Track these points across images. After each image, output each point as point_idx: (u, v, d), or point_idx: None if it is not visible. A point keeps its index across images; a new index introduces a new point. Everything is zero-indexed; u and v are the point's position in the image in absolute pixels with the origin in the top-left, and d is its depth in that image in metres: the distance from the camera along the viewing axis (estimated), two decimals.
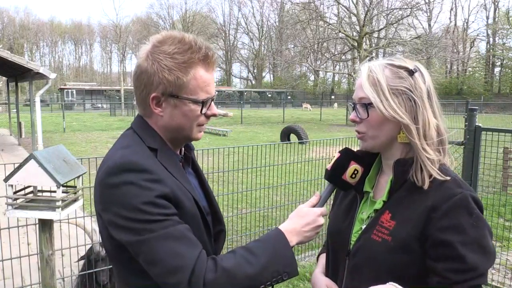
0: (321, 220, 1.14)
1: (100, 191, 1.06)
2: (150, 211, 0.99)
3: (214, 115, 1.18)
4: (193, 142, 1.30)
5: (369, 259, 1.07)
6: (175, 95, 1.09)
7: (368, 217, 1.15)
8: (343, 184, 1.18)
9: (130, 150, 1.08)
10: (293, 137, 14.35)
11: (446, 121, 1.13)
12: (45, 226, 2.44)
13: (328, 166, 1.19)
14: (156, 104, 1.12)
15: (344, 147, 1.23)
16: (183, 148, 1.27)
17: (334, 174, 1.17)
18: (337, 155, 1.19)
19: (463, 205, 0.99)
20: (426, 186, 1.04)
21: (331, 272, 1.26)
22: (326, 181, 1.21)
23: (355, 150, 1.23)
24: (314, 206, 1.17)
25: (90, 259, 3.06)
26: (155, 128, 1.15)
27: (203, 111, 1.13)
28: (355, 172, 1.17)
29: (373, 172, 1.21)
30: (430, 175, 1.04)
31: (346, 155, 1.18)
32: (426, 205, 1.02)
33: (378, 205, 1.13)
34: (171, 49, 1.08)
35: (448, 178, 1.03)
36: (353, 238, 1.16)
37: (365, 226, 1.14)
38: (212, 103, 1.17)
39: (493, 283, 3.68)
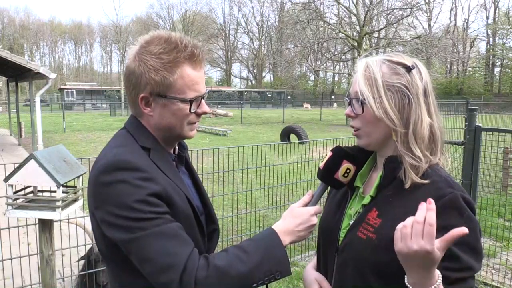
0: (314, 220, 1.14)
1: (93, 189, 1.06)
2: (142, 209, 1.00)
3: (205, 113, 1.18)
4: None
5: (355, 256, 1.07)
6: (163, 95, 1.10)
7: (356, 212, 1.15)
8: (336, 183, 1.19)
9: (123, 149, 1.09)
10: (293, 137, 14.34)
11: (444, 121, 1.13)
12: (45, 226, 2.44)
13: (321, 165, 1.19)
14: (145, 104, 1.12)
15: (336, 145, 1.23)
16: (177, 148, 1.27)
17: (327, 173, 1.18)
18: (329, 154, 1.19)
19: (454, 205, 0.98)
20: (407, 186, 1.04)
21: (322, 267, 1.26)
22: (319, 180, 1.21)
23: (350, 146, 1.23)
24: (306, 205, 1.17)
25: (90, 259, 3.06)
26: (147, 127, 1.16)
27: (192, 109, 1.13)
28: (348, 171, 1.17)
29: (367, 168, 1.21)
30: (417, 174, 1.04)
31: (338, 154, 1.18)
32: (415, 206, 1.01)
33: (365, 200, 1.12)
34: (157, 49, 1.08)
35: (427, 181, 1.02)
36: (342, 234, 1.16)
37: (352, 222, 1.14)
38: (203, 101, 1.16)
39: (493, 283, 3.68)
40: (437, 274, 0.92)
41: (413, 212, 1.00)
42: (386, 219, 1.05)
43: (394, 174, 1.07)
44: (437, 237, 0.90)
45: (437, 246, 0.85)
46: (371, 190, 1.12)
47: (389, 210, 1.06)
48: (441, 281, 0.91)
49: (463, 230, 0.84)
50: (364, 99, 1.07)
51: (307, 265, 1.37)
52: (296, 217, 1.13)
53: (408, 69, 1.06)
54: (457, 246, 0.96)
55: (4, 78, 19.62)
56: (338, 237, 1.17)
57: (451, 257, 0.96)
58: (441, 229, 0.95)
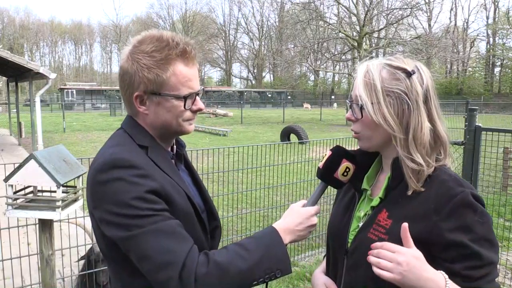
0: (315, 220, 1.15)
1: (91, 189, 1.06)
2: (140, 206, 1.00)
3: (200, 109, 1.18)
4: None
5: (366, 258, 1.07)
6: (157, 93, 1.11)
7: (365, 214, 1.15)
8: (335, 182, 1.19)
9: (120, 148, 1.09)
10: (293, 137, 14.34)
11: (445, 122, 1.13)
12: (45, 226, 2.44)
13: (320, 164, 1.19)
14: (140, 103, 1.13)
15: (335, 145, 1.24)
16: (175, 146, 1.27)
17: (326, 173, 1.18)
18: (328, 153, 1.19)
19: (466, 203, 0.99)
20: (409, 193, 1.05)
21: (331, 270, 1.26)
22: (319, 180, 1.22)
23: (353, 149, 1.23)
24: (305, 204, 1.18)
25: (90, 259, 3.06)
26: (144, 126, 1.16)
27: (187, 106, 1.13)
28: (347, 170, 1.18)
29: (373, 170, 1.21)
30: (418, 180, 1.05)
31: (338, 153, 1.18)
32: (428, 207, 1.02)
33: (374, 202, 1.13)
34: (149, 48, 1.09)
35: (422, 189, 1.04)
36: (351, 236, 1.17)
37: (362, 224, 1.14)
38: (197, 97, 1.17)
39: None
40: (440, 273, 0.96)
41: (426, 214, 1.01)
42: (396, 219, 1.05)
43: (402, 176, 1.07)
44: (457, 238, 0.98)
45: (407, 246, 0.96)
46: (380, 192, 1.13)
47: (400, 210, 1.06)
48: (447, 278, 0.95)
49: (404, 224, 0.96)
50: (363, 104, 1.07)
51: (314, 269, 1.37)
52: (297, 217, 1.13)
53: (408, 74, 1.05)
54: (476, 242, 0.98)
55: (4, 78, 19.61)
56: (347, 239, 1.17)
57: (472, 256, 0.98)
58: (459, 228, 0.98)
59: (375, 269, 0.97)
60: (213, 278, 0.97)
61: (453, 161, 1.13)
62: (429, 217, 1.00)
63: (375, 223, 1.09)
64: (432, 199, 1.02)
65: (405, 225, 0.96)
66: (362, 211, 1.17)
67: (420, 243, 0.98)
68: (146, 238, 0.99)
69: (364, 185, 1.19)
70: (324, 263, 1.34)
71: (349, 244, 1.16)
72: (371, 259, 0.99)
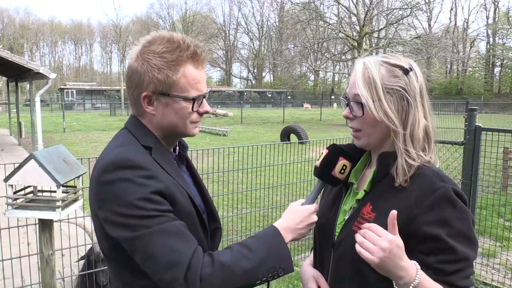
0: (315, 218, 1.16)
1: (95, 189, 1.06)
2: (145, 207, 1.00)
3: (206, 112, 1.19)
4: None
5: (351, 251, 1.08)
6: (166, 93, 1.11)
7: (351, 208, 1.17)
8: (333, 180, 1.20)
9: (124, 148, 1.09)
10: (293, 137, 14.34)
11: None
12: (45, 226, 2.44)
13: (317, 163, 1.20)
14: (147, 103, 1.13)
15: (331, 143, 1.24)
16: (177, 147, 1.28)
17: (323, 171, 1.19)
18: (325, 151, 1.20)
19: (446, 198, 1.01)
20: (396, 185, 1.06)
21: (318, 263, 1.28)
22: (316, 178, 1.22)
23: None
24: (304, 203, 1.19)
25: (90, 259, 3.06)
26: (149, 127, 1.16)
27: (195, 108, 1.14)
28: (344, 167, 1.19)
29: (361, 164, 1.23)
30: (408, 173, 1.06)
31: (334, 152, 1.20)
32: (409, 200, 1.03)
33: (359, 195, 1.14)
34: (159, 49, 1.09)
35: (406, 185, 1.05)
36: (337, 229, 1.18)
37: (347, 217, 1.16)
38: (204, 100, 1.17)
39: (493, 283, 3.68)
40: (413, 263, 0.98)
41: (407, 207, 1.03)
42: (380, 213, 1.07)
43: (387, 170, 1.09)
44: (434, 231, 0.98)
45: (393, 233, 0.96)
46: (365, 185, 1.14)
47: (383, 204, 1.08)
48: (419, 268, 0.97)
49: (393, 211, 0.96)
50: (364, 102, 1.08)
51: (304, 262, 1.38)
52: (297, 215, 1.14)
53: (406, 71, 1.08)
54: (452, 237, 0.99)
55: (4, 78, 19.61)
56: (334, 232, 1.19)
57: (447, 250, 0.99)
58: (437, 222, 1.00)
59: (357, 247, 0.99)
60: (218, 279, 0.98)
61: (436, 161, 1.14)
62: (410, 210, 1.02)
63: (359, 216, 1.11)
64: (414, 193, 1.04)
65: (394, 212, 0.97)
66: (348, 205, 1.19)
67: (399, 235, 0.99)
68: (152, 239, 0.99)
69: (351, 178, 1.21)
70: (312, 256, 1.36)
71: (336, 237, 1.18)
72: (357, 237, 1.00)
